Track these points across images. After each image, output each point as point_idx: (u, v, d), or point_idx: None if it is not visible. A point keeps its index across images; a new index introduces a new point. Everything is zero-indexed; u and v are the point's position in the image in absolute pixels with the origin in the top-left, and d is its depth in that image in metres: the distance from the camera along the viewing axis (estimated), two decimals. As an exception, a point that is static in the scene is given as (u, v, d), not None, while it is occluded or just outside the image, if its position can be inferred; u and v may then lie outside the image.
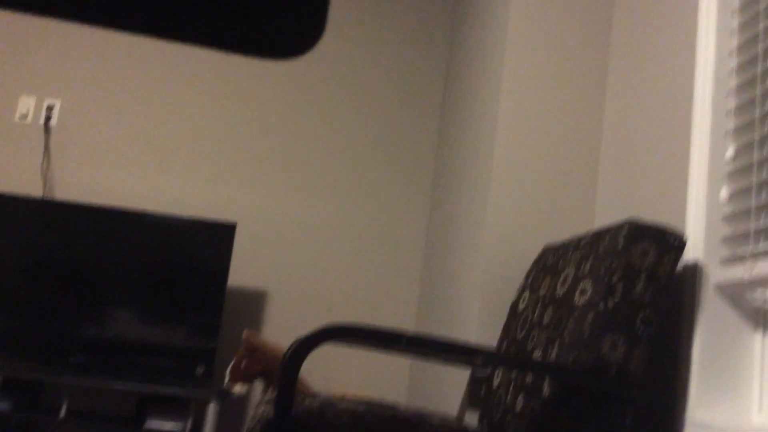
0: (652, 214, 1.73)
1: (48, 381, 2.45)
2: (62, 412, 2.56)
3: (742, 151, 1.47)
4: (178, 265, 2.77)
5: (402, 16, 3.33)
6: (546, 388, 1.39)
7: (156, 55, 3.20)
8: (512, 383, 1.56)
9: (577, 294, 1.46)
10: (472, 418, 1.99)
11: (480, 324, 2.00)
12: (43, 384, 2.80)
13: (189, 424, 2.62)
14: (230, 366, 2.27)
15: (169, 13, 0.29)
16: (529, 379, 1.47)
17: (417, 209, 3.20)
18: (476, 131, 2.39)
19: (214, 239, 2.78)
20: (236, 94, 3.20)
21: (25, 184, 3.04)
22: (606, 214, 2.01)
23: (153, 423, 2.59)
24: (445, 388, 2.31)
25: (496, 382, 1.67)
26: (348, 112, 3.24)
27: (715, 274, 1.44)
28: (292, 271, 3.10)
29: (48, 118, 3.07)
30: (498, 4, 2.34)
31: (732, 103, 1.51)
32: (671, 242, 1.41)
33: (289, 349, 1.22)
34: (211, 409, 2.54)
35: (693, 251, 1.50)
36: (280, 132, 3.19)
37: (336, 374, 3.05)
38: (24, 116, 3.07)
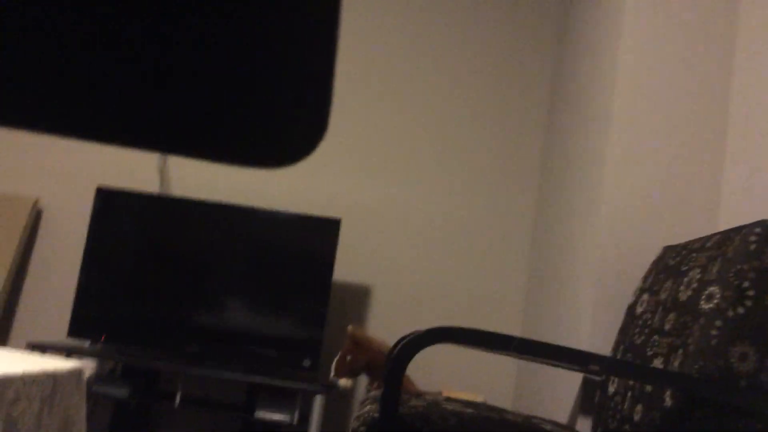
0: (788, 212, 1.59)
1: (164, 369, 2.55)
2: (177, 399, 2.66)
3: None
4: (286, 258, 2.81)
5: (510, 7, 3.24)
6: (668, 399, 1.31)
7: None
8: (630, 391, 1.47)
9: (703, 299, 1.36)
10: (584, 426, 1.91)
11: (592, 327, 1.92)
12: (158, 372, 2.92)
13: (296, 415, 2.66)
14: (336, 359, 2.28)
15: (136, 120, 0.27)
16: (649, 387, 1.39)
17: (524, 206, 3.11)
18: (588, 123, 2.28)
19: (320, 234, 2.81)
20: (337, 87, 3.22)
21: (143, 180, 3.18)
22: (732, 216, 1.87)
23: (262, 413, 2.65)
24: (554, 393, 2.23)
25: (611, 388, 1.58)
26: (455, 106, 3.19)
27: None
28: (397, 267, 3.09)
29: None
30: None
31: None
32: (812, 245, 1.29)
33: (395, 349, 1.20)
34: (318, 402, 2.57)
35: (836, 254, 1.37)
36: (385, 127, 3.19)
37: (442, 373, 3.02)
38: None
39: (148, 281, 2.82)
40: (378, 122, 3.19)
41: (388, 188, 3.15)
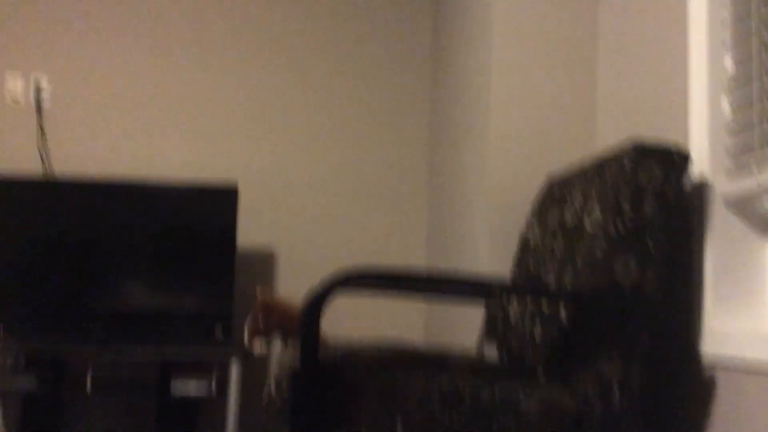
0: (655, 131, 1.73)
1: (71, 355, 2.49)
2: (88, 386, 2.60)
3: (740, 61, 1.46)
4: (186, 230, 2.78)
5: (384, -39, 3.27)
6: (563, 315, 1.42)
7: (144, 18, 3.15)
8: (528, 313, 1.58)
9: (586, 221, 1.47)
10: (491, 351, 2.03)
11: (490, 258, 2.03)
12: (65, 360, 2.84)
13: (213, 386, 2.66)
14: (247, 322, 2.30)
15: None
16: (545, 308, 1.50)
17: (417, 149, 3.20)
18: (471, 58, 2.37)
19: (219, 203, 2.79)
20: (226, 52, 3.17)
21: (23, 162, 3.03)
22: (608, 136, 2.01)
23: (178, 387, 2.64)
24: (461, 326, 2.35)
25: (512, 314, 1.69)
26: (337, 59, 3.21)
27: (722, 187, 1.45)
28: (299, 228, 3.12)
29: (38, 92, 3.05)
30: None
31: (727, 12, 1.50)
32: (676, 160, 1.42)
33: (308, 298, 1.24)
34: (234, 369, 2.59)
35: (698, 166, 1.51)
36: (274, 88, 3.17)
37: (350, 324, 3.09)
38: (13, 93, 3.05)
39: (43, 267, 2.72)
40: (264, 83, 3.17)
41: (284, 147, 3.15)
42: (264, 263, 3.09)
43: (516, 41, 2.10)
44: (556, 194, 1.72)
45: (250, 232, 3.09)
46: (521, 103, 2.07)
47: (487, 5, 2.18)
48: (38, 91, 3.06)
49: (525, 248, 1.79)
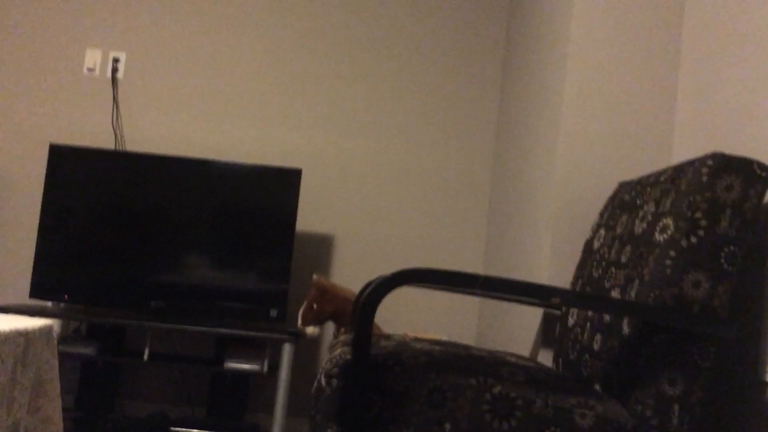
0: (737, 146, 1.65)
1: (130, 325, 2.55)
2: (145, 355, 2.67)
3: (837, 75, 1.37)
4: (248, 211, 2.81)
5: (463, -51, 3.22)
6: (625, 328, 1.37)
7: (220, 2, 3.19)
8: (589, 322, 1.53)
9: (657, 231, 1.41)
10: (545, 358, 1.98)
11: (551, 264, 1.98)
12: (125, 329, 2.92)
13: (266, 364, 2.70)
14: (302, 308, 2.32)
15: None
16: (607, 318, 1.45)
17: (483, 149, 3.15)
18: (544, 63, 2.31)
19: (281, 185, 2.81)
20: (300, 40, 3.18)
21: (97, 136, 3.11)
22: (685, 149, 1.93)
23: (232, 363, 2.68)
24: (515, 330, 2.31)
25: (571, 321, 1.65)
26: (409, 52, 3.18)
27: (806, 207, 1.37)
28: (359, 216, 3.11)
29: (115, 71, 3.12)
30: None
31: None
32: (758, 174, 1.35)
33: (365, 291, 1.23)
34: (286, 350, 2.61)
35: (781, 183, 1.43)
36: (343, 77, 3.17)
37: (405, 317, 3.08)
38: (91, 69, 3.13)
39: (108, 239, 2.79)
40: (335, 72, 3.17)
41: (349, 138, 3.14)
42: (322, 249, 3.11)
43: (594, 43, 2.03)
44: (627, 201, 1.66)
45: (311, 218, 3.11)
46: (595, 108, 2.01)
47: (566, 5, 2.11)
48: (115, 67, 3.13)
49: (588, 254, 1.74)
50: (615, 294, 1.49)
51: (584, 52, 2.02)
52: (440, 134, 3.15)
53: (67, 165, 2.81)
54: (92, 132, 3.11)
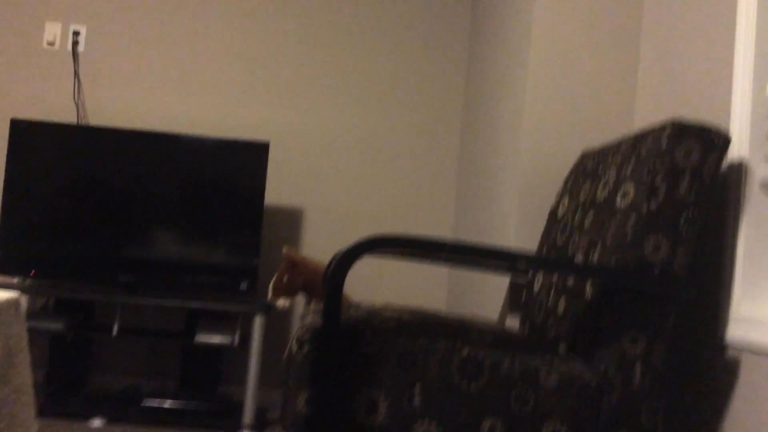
0: (695, 113, 1.69)
1: (99, 300, 2.54)
2: (114, 330, 2.66)
3: (791, 42, 1.41)
4: (217, 185, 2.80)
5: None
6: (588, 290, 1.41)
7: (179, -28, 3.14)
8: (553, 287, 1.57)
9: (618, 197, 1.45)
10: (513, 322, 2.03)
11: (518, 231, 2.01)
12: (94, 304, 2.91)
13: (237, 337, 2.71)
14: (272, 281, 2.33)
15: None
16: (570, 282, 1.49)
17: (449, 118, 3.17)
18: (509, 31, 2.33)
19: (249, 158, 2.80)
20: (264, 10, 3.15)
21: (59, 111, 3.06)
22: (646, 116, 1.97)
23: (202, 336, 2.69)
24: (484, 296, 2.35)
25: (536, 286, 1.69)
26: (377, 23, 3.17)
27: (760, 171, 1.42)
28: (328, 188, 3.12)
29: (75, 44, 3.07)
30: None
31: (781, -8, 1.45)
32: (716, 141, 1.39)
33: (333, 259, 1.24)
34: (257, 322, 2.63)
35: (738, 149, 1.48)
36: (310, 49, 3.15)
37: (374, 287, 3.11)
38: (51, 43, 3.07)
39: (74, 214, 2.77)
40: (301, 43, 3.15)
41: (317, 110, 3.14)
42: (292, 221, 3.11)
43: (557, 12, 2.05)
44: (590, 168, 1.70)
45: (279, 191, 3.11)
46: (559, 77, 2.04)
47: (531, -30, 2.13)
48: (75, 40, 3.07)
49: (553, 221, 1.77)
50: (578, 259, 1.53)
51: (548, 21, 2.04)
52: (407, 105, 3.16)
53: (28, 140, 2.77)
54: (54, 106, 3.06)
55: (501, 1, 2.54)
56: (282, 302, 2.37)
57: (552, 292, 1.58)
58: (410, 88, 3.17)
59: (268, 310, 2.66)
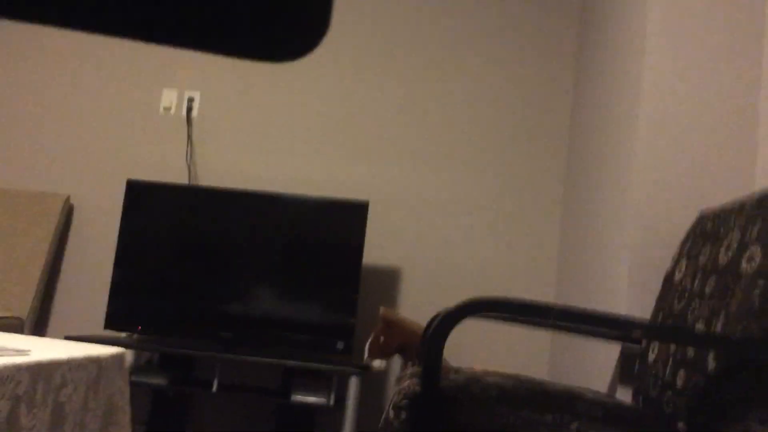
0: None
1: (200, 357, 2.57)
2: (214, 386, 2.68)
3: None
4: (316, 243, 2.82)
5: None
6: (711, 362, 1.29)
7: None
8: (671, 358, 1.46)
9: (743, 261, 1.33)
10: (624, 395, 1.89)
11: (629, 297, 1.90)
12: (194, 360, 2.95)
13: (332, 397, 2.67)
14: (369, 341, 2.29)
15: (153, 14, 0.28)
16: (690, 353, 1.37)
17: (552, 176, 3.09)
18: (618, 83, 2.25)
19: (349, 218, 2.81)
20: (364, 74, 3.21)
21: (172, 172, 3.20)
22: (767, 175, 1.83)
23: (298, 396, 2.66)
24: (591, 365, 2.22)
25: (651, 356, 1.57)
26: (476, 85, 3.16)
27: None
28: (426, 247, 3.08)
29: (189, 109, 3.21)
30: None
31: None
32: None
33: (434, 322, 1.19)
34: (353, 383, 2.58)
35: None
36: (410, 109, 3.17)
37: (473, 351, 3.01)
38: (167, 109, 3.23)
39: (181, 271, 2.84)
40: (400, 105, 3.18)
41: (415, 169, 3.13)
42: (389, 281, 3.08)
43: (671, 68, 1.96)
44: (709, 230, 1.58)
45: (378, 250, 3.09)
46: (672, 134, 1.94)
47: (642, 21, 2.06)
48: (189, 106, 3.22)
49: (669, 287, 1.66)
50: (699, 327, 1.41)
51: (661, 72, 1.96)
52: (508, 163, 3.11)
53: (142, 200, 2.89)
54: (167, 168, 3.20)
55: (608, 52, 2.47)
56: (378, 363, 2.33)
57: (669, 363, 1.46)
58: (511, 146, 3.12)
59: (364, 371, 2.61)
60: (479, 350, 3.01)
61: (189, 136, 3.19)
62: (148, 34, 0.28)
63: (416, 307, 3.05)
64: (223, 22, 0.29)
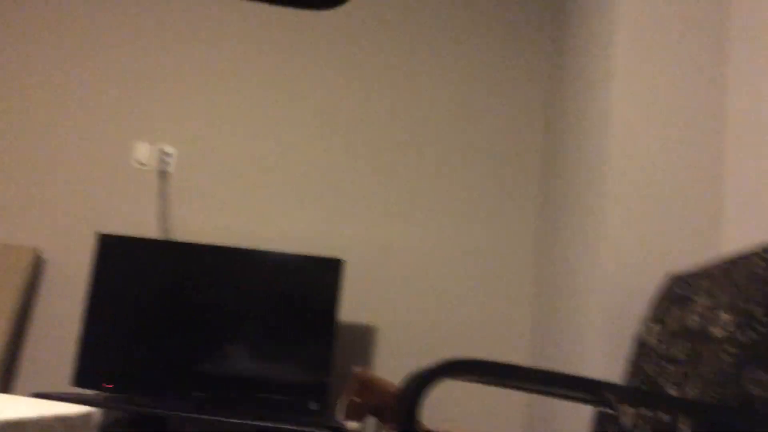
0: (792, 237, 1.60)
1: (171, 416, 2.52)
2: (183, 447, 2.62)
3: None
4: (291, 300, 2.81)
5: (502, 35, 3.30)
6: (684, 428, 1.30)
7: (261, 99, 3.30)
8: (644, 422, 1.46)
9: (713, 326, 1.36)
10: (598, 459, 1.88)
11: (602, 359, 1.91)
12: (166, 419, 2.89)
13: (304, 460, 2.62)
14: (343, 401, 2.26)
15: None
16: (664, 417, 1.38)
17: (525, 237, 3.12)
18: (586, 148, 2.31)
19: (324, 275, 2.81)
20: (338, 134, 3.25)
21: (143, 226, 3.18)
22: (734, 238, 1.88)
23: (269, 458, 2.60)
24: (566, 425, 2.21)
25: (626, 420, 1.57)
26: (449, 144, 3.22)
27: None
28: (402, 306, 3.08)
29: (164, 164, 3.22)
30: (602, 8, 2.28)
31: None
32: (819, 267, 1.30)
33: (407, 383, 1.19)
34: (326, 446, 2.54)
35: (844, 277, 1.37)
36: (385, 167, 3.21)
37: (449, 409, 2.99)
38: (141, 163, 3.23)
39: (152, 328, 2.80)
40: (377, 163, 3.22)
41: (389, 227, 3.16)
42: (364, 340, 3.06)
43: (637, 131, 2.03)
44: (678, 294, 1.61)
45: (353, 308, 3.08)
46: (640, 198, 1.98)
47: (605, 90, 2.13)
48: (163, 159, 3.23)
49: (642, 351, 1.67)
50: (672, 392, 1.42)
51: (627, 139, 2.01)
52: (482, 223, 3.14)
53: (114, 253, 2.87)
54: (140, 222, 3.19)
55: (576, 118, 2.54)
56: (353, 425, 2.29)
57: (643, 427, 1.46)
58: (484, 206, 3.16)
59: (339, 431, 2.57)
60: (455, 408, 2.98)
61: (162, 190, 3.19)
62: None
63: (392, 366, 3.03)
64: None
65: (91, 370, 2.76)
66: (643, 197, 1.98)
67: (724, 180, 1.99)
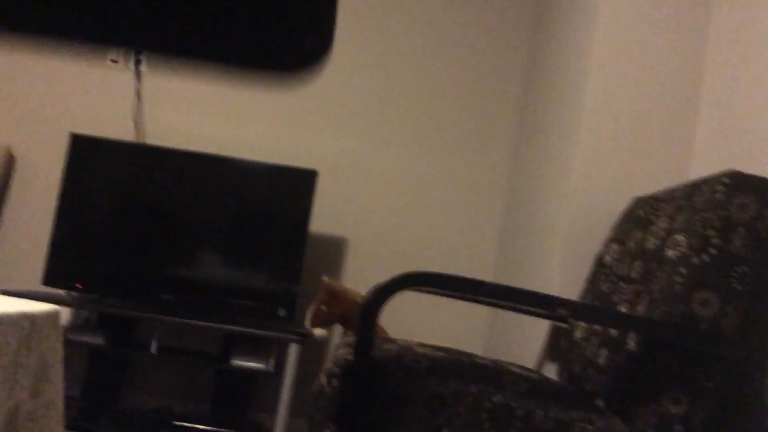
0: (754, 166, 1.63)
1: (140, 318, 2.56)
2: (153, 348, 2.68)
3: None
4: (263, 210, 2.82)
5: (489, -42, 3.21)
6: (632, 343, 1.35)
7: (241, 0, 3.20)
8: (595, 336, 1.52)
9: (668, 247, 1.39)
10: (550, 371, 1.96)
11: (562, 276, 1.96)
12: (134, 321, 2.94)
13: (272, 363, 2.70)
14: (311, 310, 2.31)
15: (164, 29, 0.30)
16: (614, 332, 1.43)
17: (499, 158, 3.14)
18: (565, 75, 2.30)
19: (297, 186, 2.82)
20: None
21: (118, 129, 3.14)
22: (702, 166, 1.91)
23: (238, 360, 2.68)
24: (523, 341, 2.29)
25: (578, 334, 1.63)
26: (429, 58, 3.18)
27: (822, 230, 1.35)
28: (372, 220, 3.11)
29: (138, 62, 3.15)
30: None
31: None
32: (774, 195, 1.33)
33: (369, 294, 1.22)
34: (293, 350, 2.61)
35: (798, 205, 1.41)
36: (362, 81, 3.17)
37: (412, 324, 3.07)
38: (115, 60, 3.16)
39: (123, 230, 2.81)
40: (351, 75, 3.17)
41: (365, 142, 3.15)
42: (335, 251, 3.10)
43: (615, 56, 2.01)
44: (641, 215, 1.64)
45: (324, 220, 3.11)
46: (613, 121, 1.99)
47: (590, 18, 2.10)
48: (138, 62, 3.16)
49: (599, 268, 1.72)
50: (623, 309, 1.47)
51: (605, 64, 2.00)
52: (457, 140, 3.15)
53: (87, 155, 2.84)
54: (113, 124, 3.14)
55: (557, 43, 2.52)
56: (319, 331, 2.36)
57: (593, 341, 1.52)
58: (461, 122, 3.15)
59: (305, 338, 2.64)
60: (420, 324, 3.07)
61: (137, 91, 3.13)
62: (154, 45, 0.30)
63: (360, 277, 3.09)
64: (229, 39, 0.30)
65: (62, 270, 2.78)
66: (617, 128, 1.99)
67: (697, 111, 1.99)
